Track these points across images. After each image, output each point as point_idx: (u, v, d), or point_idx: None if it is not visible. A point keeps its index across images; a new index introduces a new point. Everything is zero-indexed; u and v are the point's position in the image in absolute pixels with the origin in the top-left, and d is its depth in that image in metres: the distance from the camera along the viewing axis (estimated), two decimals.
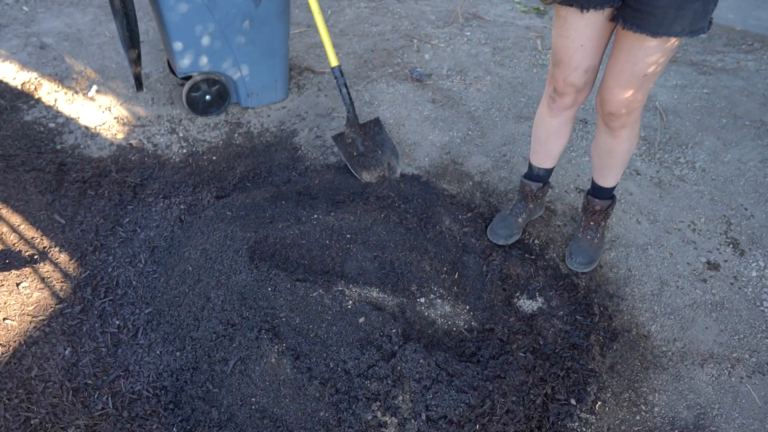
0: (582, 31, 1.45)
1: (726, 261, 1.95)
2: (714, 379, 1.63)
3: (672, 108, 2.64)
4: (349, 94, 2.12)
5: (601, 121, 1.63)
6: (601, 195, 1.83)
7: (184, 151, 2.26)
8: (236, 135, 2.36)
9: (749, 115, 2.61)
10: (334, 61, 2.09)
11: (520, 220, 1.93)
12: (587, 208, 1.87)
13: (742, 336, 1.73)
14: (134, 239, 1.79)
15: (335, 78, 2.11)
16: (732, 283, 1.88)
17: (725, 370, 1.64)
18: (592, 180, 1.83)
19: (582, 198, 1.97)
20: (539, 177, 1.89)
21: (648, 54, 1.37)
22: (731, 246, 2.00)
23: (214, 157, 2.23)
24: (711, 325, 1.76)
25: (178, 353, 1.47)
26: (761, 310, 1.80)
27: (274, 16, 2.24)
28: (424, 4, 3.49)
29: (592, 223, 1.88)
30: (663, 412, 1.55)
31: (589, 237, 1.88)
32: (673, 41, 1.35)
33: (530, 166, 1.89)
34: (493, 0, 3.59)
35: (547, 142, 1.79)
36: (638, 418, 1.54)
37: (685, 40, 3.23)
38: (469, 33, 3.17)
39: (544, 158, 1.84)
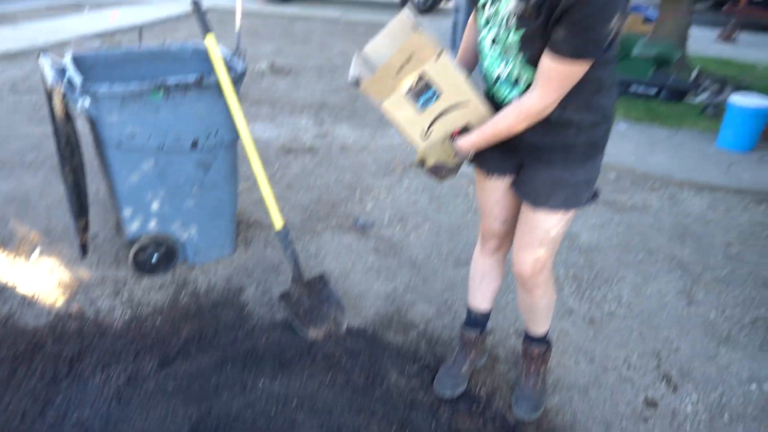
0: (493, 190, 1.66)
1: (662, 397, 2.03)
2: None
3: (595, 246, 2.89)
4: (294, 253, 2.22)
5: (519, 283, 1.77)
6: (535, 341, 1.93)
7: (127, 315, 2.23)
8: (182, 294, 2.36)
9: (662, 249, 2.89)
10: (278, 225, 2.21)
11: (463, 370, 1.97)
12: (526, 354, 1.95)
13: None
14: (65, 422, 1.69)
15: (280, 240, 2.22)
16: (671, 421, 1.94)
17: None
18: (525, 328, 1.94)
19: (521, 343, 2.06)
20: (477, 322, 1.98)
21: (542, 221, 1.56)
22: (665, 381, 2.10)
23: (158, 320, 2.21)
24: None
25: None
26: None
27: (223, 180, 2.39)
28: (366, 155, 3.81)
29: (532, 368, 1.95)
30: None
31: (531, 383, 1.94)
32: (560, 213, 1.54)
33: (468, 311, 1.99)
34: None
35: (482, 283, 1.92)
36: None
37: (599, 182, 3.63)
38: (407, 182, 3.44)
39: (480, 300, 1.95)
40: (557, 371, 2.10)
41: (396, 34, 1.50)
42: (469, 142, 1.43)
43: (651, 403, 2.01)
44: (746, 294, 2.58)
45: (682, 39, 6.17)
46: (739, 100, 4.10)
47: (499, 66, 1.41)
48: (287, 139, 4.00)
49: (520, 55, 1.33)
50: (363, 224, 2.90)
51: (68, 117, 1.96)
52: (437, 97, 1.36)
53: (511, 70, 1.38)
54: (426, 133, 1.43)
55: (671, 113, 4.92)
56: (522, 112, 1.33)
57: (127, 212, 2.24)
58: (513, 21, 1.29)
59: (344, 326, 2.19)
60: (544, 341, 1.93)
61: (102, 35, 6.52)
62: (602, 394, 2.03)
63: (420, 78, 1.33)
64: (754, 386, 2.08)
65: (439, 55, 1.31)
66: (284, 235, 2.21)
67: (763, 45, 9.04)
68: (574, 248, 2.86)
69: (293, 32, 7.70)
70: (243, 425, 1.61)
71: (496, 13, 1.34)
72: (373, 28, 8.31)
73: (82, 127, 2.19)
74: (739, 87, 5.22)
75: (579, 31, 1.20)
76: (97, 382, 1.86)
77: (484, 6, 1.38)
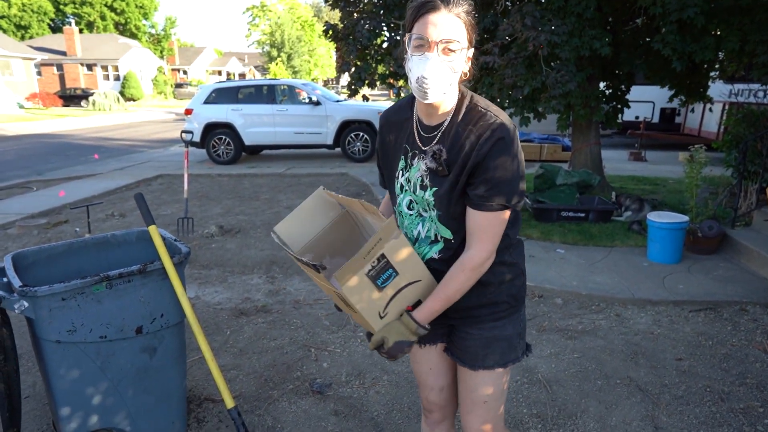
0: (426, 358, 1.67)
1: None
2: None
3: (554, 378, 2.89)
4: None
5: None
6: None
7: None
8: None
9: (618, 373, 2.93)
10: (230, 403, 2.13)
11: None
12: None
13: None
14: None
15: (232, 419, 2.12)
16: None
17: None
18: None
19: None
20: None
21: (482, 382, 1.57)
22: None
23: None
24: None
25: None
26: None
27: (170, 362, 2.31)
28: (319, 308, 3.81)
29: None
30: None
31: None
32: (498, 370, 1.56)
33: None
34: None
35: None
36: None
37: (548, 309, 3.74)
38: (362, 333, 3.43)
39: None
40: None
41: (314, 211, 1.63)
42: (427, 310, 1.43)
43: None
44: (707, 412, 2.60)
45: (597, 164, 6.86)
46: (657, 218, 4.49)
47: (417, 227, 1.52)
48: (239, 301, 3.99)
49: (434, 212, 1.45)
50: (320, 385, 2.82)
51: (4, 321, 1.92)
52: (395, 275, 1.42)
53: (428, 229, 1.50)
54: (384, 312, 1.46)
55: (602, 233, 5.29)
56: (467, 268, 1.40)
57: (65, 411, 2.11)
58: (426, 180, 1.44)
59: None
60: None
61: (48, 213, 6.57)
62: None
63: (379, 259, 1.40)
64: None
65: (398, 235, 1.41)
66: (236, 414, 2.12)
67: (668, 161, 10.14)
68: (534, 382, 2.85)
69: (241, 191, 8.03)
70: None
71: (408, 180, 1.51)
72: (318, 179, 8.81)
73: (18, 318, 2.13)
74: (655, 205, 5.75)
75: (498, 184, 1.33)
76: None
77: (396, 177, 1.54)
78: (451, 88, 1.37)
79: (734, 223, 4.91)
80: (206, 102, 10.34)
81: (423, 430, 1.83)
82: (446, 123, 1.41)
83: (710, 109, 11.79)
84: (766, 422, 2.51)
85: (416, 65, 1.33)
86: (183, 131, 6.40)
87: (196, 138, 10.17)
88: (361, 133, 10.47)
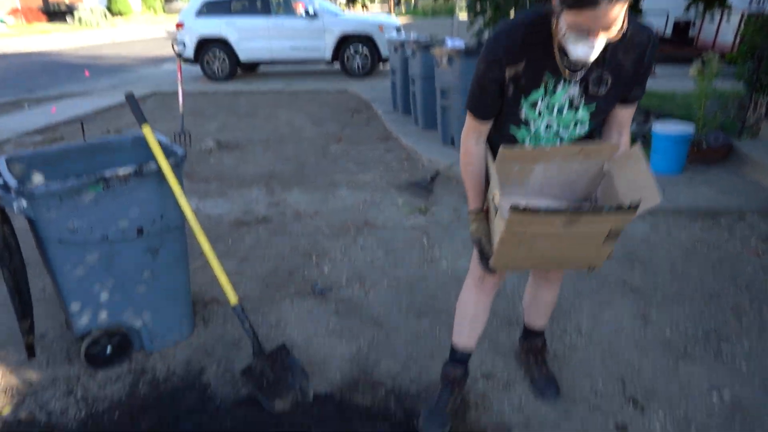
0: None
1: (631, 420, 2.06)
2: None
3: None
4: (252, 327, 2.20)
5: (542, 280, 2.02)
6: (540, 335, 2.20)
7: (82, 413, 2.12)
8: (140, 384, 2.27)
9: (613, 275, 3.00)
10: (233, 300, 2.19)
11: (447, 409, 1.99)
12: (531, 349, 2.21)
13: None
14: None
15: (236, 315, 2.19)
16: None
17: None
18: (529, 328, 2.20)
19: (521, 350, 2.32)
20: (462, 359, 2.03)
21: None
22: (632, 404, 2.13)
23: (116, 415, 2.11)
24: None
25: None
26: None
27: (174, 262, 2.37)
28: (319, 219, 3.85)
29: (539, 358, 2.21)
30: None
31: (545, 371, 2.19)
32: None
33: (454, 350, 2.02)
34: (380, 207, 4.05)
35: (474, 322, 1.95)
36: None
37: None
38: (362, 240, 3.49)
39: (468, 338, 1.99)
40: (527, 410, 2.10)
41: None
42: None
43: (621, 428, 2.03)
44: (695, 309, 2.69)
45: None
46: (661, 128, 4.41)
47: (553, 143, 1.62)
48: (239, 213, 4.02)
49: (580, 128, 1.57)
50: (321, 289, 2.90)
51: (4, 219, 1.94)
52: None
53: (566, 142, 1.62)
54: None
55: None
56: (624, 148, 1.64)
57: (74, 307, 2.18)
58: (579, 101, 1.51)
59: (311, 394, 2.14)
60: (543, 333, 2.21)
61: (43, 130, 6.48)
62: (573, 426, 2.03)
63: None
64: (715, 396, 2.14)
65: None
66: (239, 310, 2.19)
67: (678, 76, 9.81)
68: None
69: (238, 108, 7.86)
70: None
71: (548, 105, 1.53)
72: (316, 96, 8.60)
73: (22, 224, 2.15)
74: (660, 115, 5.62)
75: (646, 81, 1.56)
76: None
77: (532, 105, 1.53)
78: None
79: (741, 134, 4.83)
80: (198, 15, 9.87)
81: (467, 299, 1.94)
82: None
83: (727, 20, 11.25)
84: (751, 317, 2.60)
85: (580, 49, 1.33)
86: (174, 42, 6.16)
87: (189, 54, 9.82)
88: (361, 48, 10.08)
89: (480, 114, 1.61)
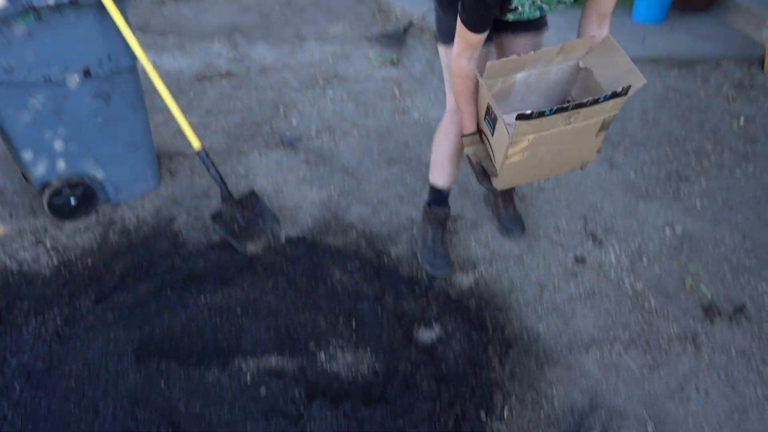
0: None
1: (589, 253, 2.18)
2: (599, 360, 1.79)
3: None
4: (218, 172, 2.16)
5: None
6: None
7: (54, 261, 2.14)
8: (111, 233, 2.28)
9: None
10: (196, 144, 2.12)
11: (445, 246, 2.10)
12: (499, 191, 2.15)
13: (614, 316, 1.93)
14: (5, 370, 1.65)
15: (201, 160, 2.14)
16: (597, 272, 2.10)
17: (606, 350, 1.82)
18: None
19: (489, 193, 2.32)
20: (446, 199, 2.09)
21: None
22: (591, 239, 2.24)
23: (89, 261, 2.14)
24: (588, 313, 1.94)
25: None
26: (624, 290, 2.02)
27: (129, 110, 2.24)
28: (287, 73, 3.65)
29: (507, 197, 2.24)
30: (562, 402, 1.67)
31: (512, 210, 2.24)
32: None
33: (438, 191, 2.04)
34: (350, 59, 3.84)
35: (455, 156, 1.93)
36: (542, 414, 1.65)
37: None
38: (331, 92, 3.35)
39: (449, 177, 2.00)
40: (493, 245, 2.20)
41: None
42: None
43: (580, 260, 2.15)
44: (661, 152, 2.73)
45: None
46: None
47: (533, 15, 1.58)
48: (201, 67, 3.77)
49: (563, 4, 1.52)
50: (290, 139, 2.84)
51: None
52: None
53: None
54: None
55: None
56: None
57: (27, 156, 2.09)
58: None
59: (282, 237, 2.18)
60: None
61: None
62: (535, 260, 2.15)
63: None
64: (668, 230, 2.26)
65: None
66: (204, 155, 2.13)
67: None
68: None
69: None
70: (189, 338, 1.62)
71: None
72: None
73: None
74: None
75: None
76: (33, 327, 1.80)
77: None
78: None
79: None
80: None
81: (444, 140, 1.90)
82: None
83: None
84: (712, 159, 2.67)
85: None
86: None
87: None
88: None
89: (481, 27, 1.50)
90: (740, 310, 1.94)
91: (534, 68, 1.61)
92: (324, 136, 2.89)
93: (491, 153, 1.67)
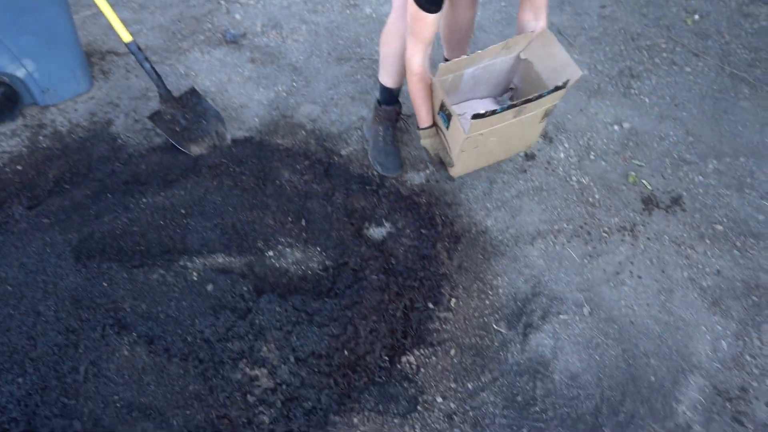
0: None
1: (540, 150, 2.19)
2: (543, 251, 1.86)
3: (478, 24, 2.83)
4: (153, 68, 2.00)
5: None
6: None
7: None
8: (41, 138, 2.13)
9: None
10: (126, 37, 1.94)
11: (395, 145, 2.06)
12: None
13: (559, 210, 1.99)
14: None
15: (133, 54, 1.97)
16: (546, 168, 2.13)
17: (550, 242, 1.88)
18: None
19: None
20: (396, 96, 2.02)
21: None
22: (541, 138, 2.25)
23: (18, 167, 2.01)
24: (534, 207, 1.99)
25: (19, 379, 1.36)
26: (571, 185, 2.06)
27: (48, 1, 2.01)
28: None
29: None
30: (506, 291, 1.75)
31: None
32: None
33: (387, 90, 1.97)
34: None
35: (400, 59, 1.83)
36: (487, 302, 1.73)
37: None
38: None
39: (399, 75, 1.92)
40: None
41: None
42: None
43: (530, 157, 2.17)
44: (615, 49, 2.69)
45: None
46: None
47: None
48: None
49: None
50: (234, 36, 2.64)
51: None
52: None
53: None
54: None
55: None
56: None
57: None
58: None
59: (228, 138, 2.09)
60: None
61: None
62: None
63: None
64: (616, 127, 2.29)
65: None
66: (135, 47, 1.96)
67: None
68: None
69: None
70: (131, 239, 1.58)
71: None
72: None
73: None
74: None
75: None
76: None
77: None
78: None
79: None
80: None
81: (392, 39, 1.80)
82: None
83: None
84: (664, 56, 2.65)
85: None
86: None
87: None
88: None
89: (434, 7, 1.50)
90: (677, 201, 2.02)
91: (480, 64, 1.78)
92: (270, 32, 2.71)
93: (447, 144, 1.80)
